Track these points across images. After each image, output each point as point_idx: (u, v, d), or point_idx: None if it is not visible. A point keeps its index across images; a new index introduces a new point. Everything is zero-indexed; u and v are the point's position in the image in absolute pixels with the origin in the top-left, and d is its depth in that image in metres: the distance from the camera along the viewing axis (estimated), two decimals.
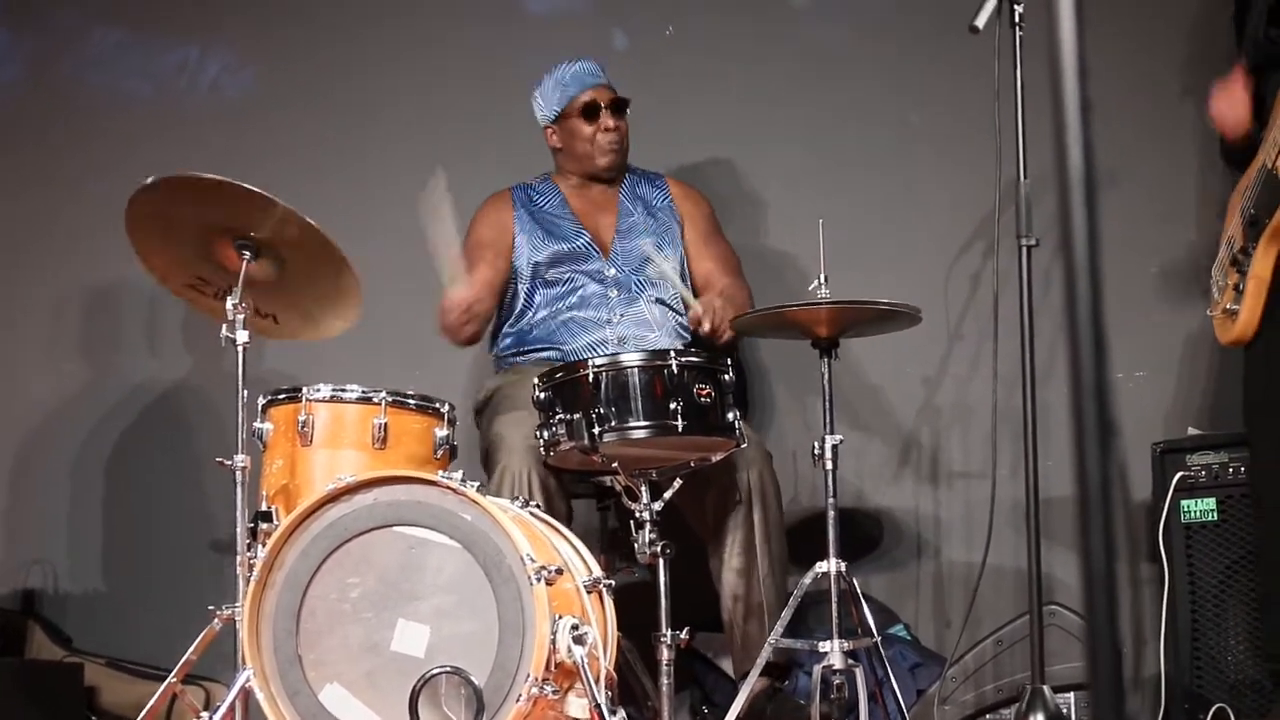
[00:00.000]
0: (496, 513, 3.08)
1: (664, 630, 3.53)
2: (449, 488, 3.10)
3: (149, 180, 3.49)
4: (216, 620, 3.45)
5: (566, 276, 4.20)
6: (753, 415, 4.52)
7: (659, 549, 3.51)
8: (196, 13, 5.13)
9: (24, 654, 4.74)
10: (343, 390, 3.61)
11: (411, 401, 3.64)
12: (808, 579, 3.63)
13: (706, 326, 3.96)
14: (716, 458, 3.60)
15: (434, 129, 4.85)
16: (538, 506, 3.54)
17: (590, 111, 4.24)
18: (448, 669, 3.01)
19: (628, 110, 4.28)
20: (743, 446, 3.58)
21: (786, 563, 3.96)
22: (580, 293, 4.19)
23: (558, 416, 3.52)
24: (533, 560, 3.03)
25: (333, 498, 3.15)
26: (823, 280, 3.64)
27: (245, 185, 3.46)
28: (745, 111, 4.77)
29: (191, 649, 3.49)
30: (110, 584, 4.92)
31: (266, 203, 3.47)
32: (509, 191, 4.36)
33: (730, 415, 3.52)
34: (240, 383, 3.52)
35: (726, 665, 4.16)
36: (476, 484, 3.17)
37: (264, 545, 3.30)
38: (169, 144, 4.96)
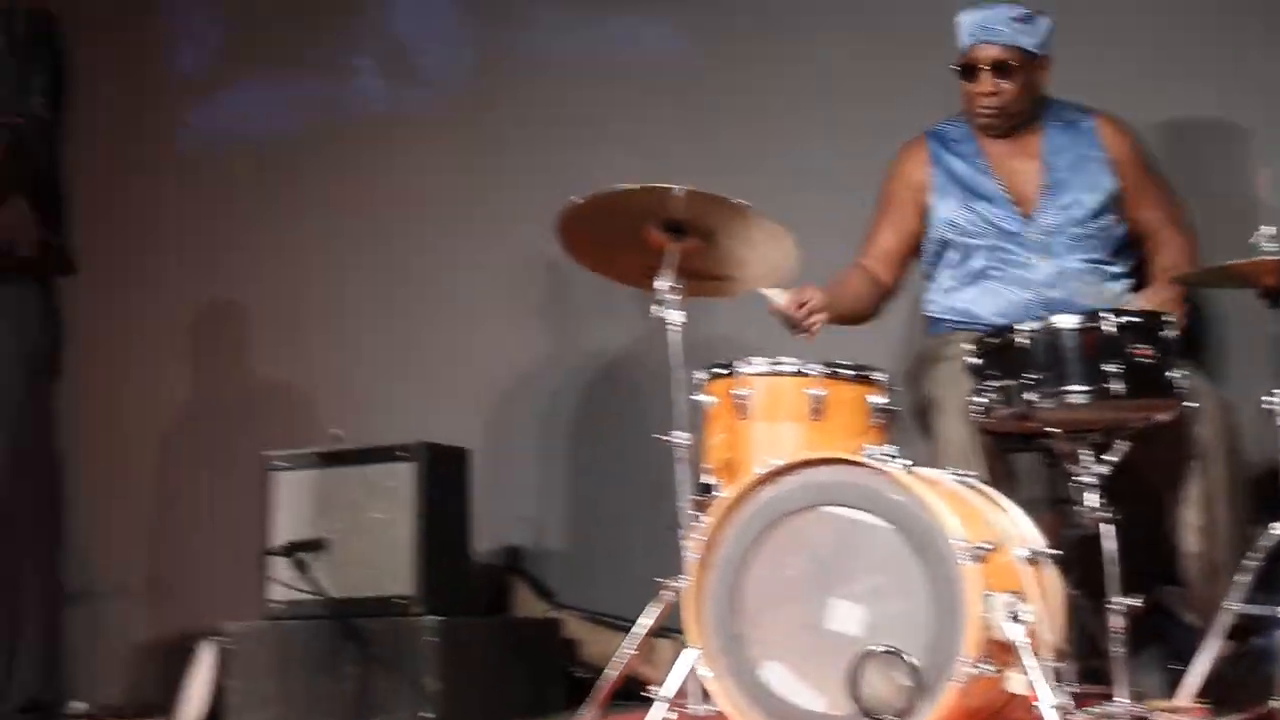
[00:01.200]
0: (924, 493, 3.07)
1: (1114, 597, 3.43)
2: (877, 469, 3.11)
3: (574, 200, 3.65)
4: (668, 593, 3.58)
5: (988, 238, 4.08)
6: (1209, 364, 4.31)
7: (1106, 515, 3.42)
8: None
9: (509, 608, 5.05)
10: (777, 363, 3.66)
11: (846, 371, 3.65)
12: (1267, 539, 3.46)
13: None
14: (1161, 418, 3.46)
15: (863, 70, 4.82)
16: (975, 475, 3.50)
17: (969, 71, 4.05)
18: (885, 648, 3.03)
19: (1028, 64, 4.02)
20: (1192, 404, 3.43)
21: (1247, 520, 3.78)
22: (1001, 254, 4.07)
23: (991, 383, 3.47)
24: (964, 539, 3.01)
25: (763, 480, 3.21)
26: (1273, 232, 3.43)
27: (654, 185, 3.57)
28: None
29: (646, 619, 3.64)
30: (586, 540, 5.15)
31: (666, 191, 3.57)
32: (923, 140, 4.22)
33: (1175, 374, 3.38)
34: (675, 365, 3.62)
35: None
36: (907, 462, 3.17)
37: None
38: (606, 107, 5.19)
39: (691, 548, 3.31)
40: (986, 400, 3.49)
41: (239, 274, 5.77)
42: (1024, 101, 4.07)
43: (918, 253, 4.23)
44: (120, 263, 5.90)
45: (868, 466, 3.13)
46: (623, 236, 3.77)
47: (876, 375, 3.67)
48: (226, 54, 5.95)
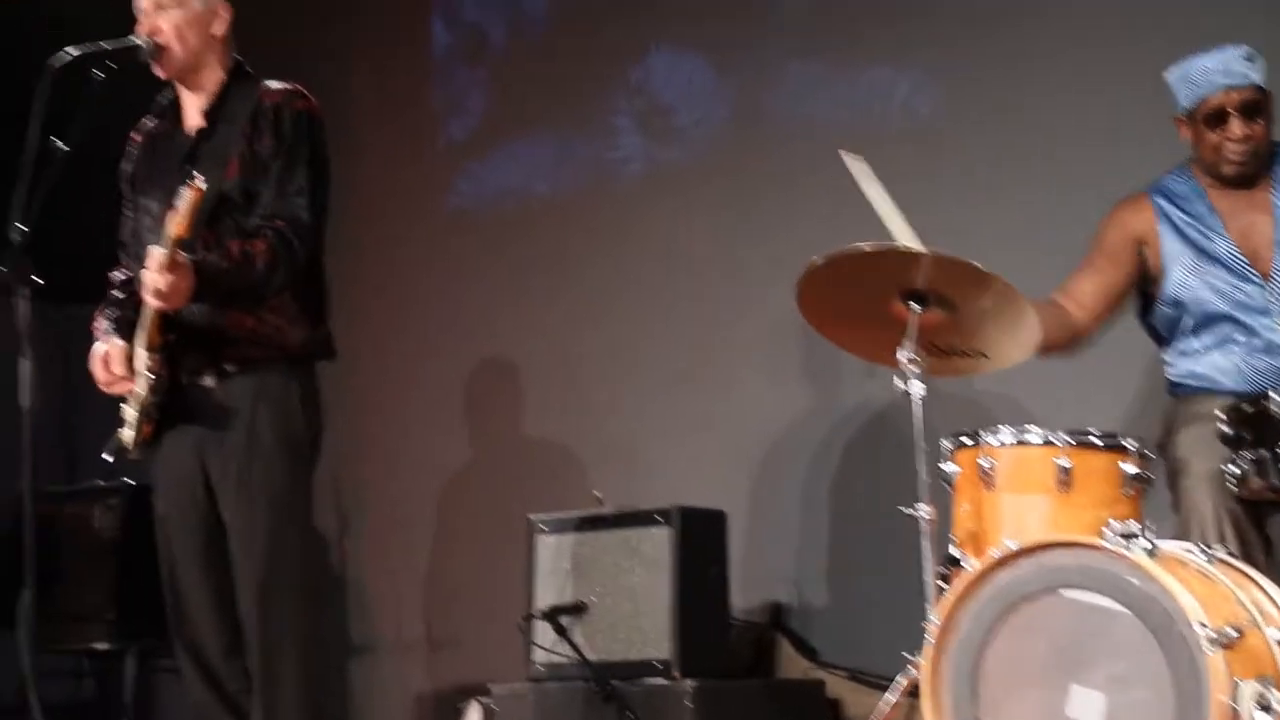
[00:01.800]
0: (1165, 577, 2.99)
1: None
2: (1114, 552, 3.05)
3: (817, 261, 3.65)
4: (912, 669, 3.57)
5: (1225, 304, 3.88)
6: None
7: None
8: (887, 35, 5.23)
9: (773, 665, 5.06)
10: (1023, 432, 3.61)
11: (1094, 440, 3.57)
12: None
13: None
14: None
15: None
16: (1226, 550, 3.39)
17: (1216, 118, 3.86)
18: None
19: (1267, 103, 3.84)
20: None
21: None
22: (1240, 320, 3.86)
23: (1245, 453, 3.37)
24: (1206, 626, 2.92)
25: (1000, 563, 3.18)
26: None
27: (893, 245, 3.55)
28: None
29: (891, 695, 3.63)
30: (848, 597, 5.13)
31: (915, 256, 3.54)
32: (1145, 197, 4.03)
33: None
34: (918, 436, 3.60)
35: None
36: (1149, 542, 3.09)
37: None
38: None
39: (929, 630, 3.29)
40: (1240, 470, 3.39)
41: (507, 335, 5.93)
42: (1269, 143, 3.92)
43: (1115, 306, 4.06)
44: (394, 328, 6.13)
45: (1105, 551, 3.07)
46: (865, 306, 3.75)
47: (1127, 442, 3.57)
48: (492, 119, 6.12)
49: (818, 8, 5.40)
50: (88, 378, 3.87)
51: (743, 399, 5.36)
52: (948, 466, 3.69)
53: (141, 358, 3.74)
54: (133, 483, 5.51)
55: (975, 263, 3.56)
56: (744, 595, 4.98)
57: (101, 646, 5.63)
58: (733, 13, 5.55)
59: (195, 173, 3.65)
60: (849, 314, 3.82)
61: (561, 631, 4.49)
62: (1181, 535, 3.58)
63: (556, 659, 4.52)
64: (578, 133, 5.89)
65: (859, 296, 3.74)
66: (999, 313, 3.69)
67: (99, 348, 3.86)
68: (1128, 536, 3.12)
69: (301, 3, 6.40)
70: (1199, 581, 3.10)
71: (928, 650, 3.24)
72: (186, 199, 3.48)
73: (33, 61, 3.71)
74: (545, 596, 4.64)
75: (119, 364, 3.80)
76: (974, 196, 4.94)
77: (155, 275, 3.53)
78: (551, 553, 4.69)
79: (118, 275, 4.03)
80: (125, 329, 3.86)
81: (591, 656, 4.46)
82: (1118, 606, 3.04)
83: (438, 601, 5.92)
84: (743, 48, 5.52)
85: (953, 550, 3.62)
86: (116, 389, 3.82)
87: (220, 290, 3.67)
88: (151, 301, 3.60)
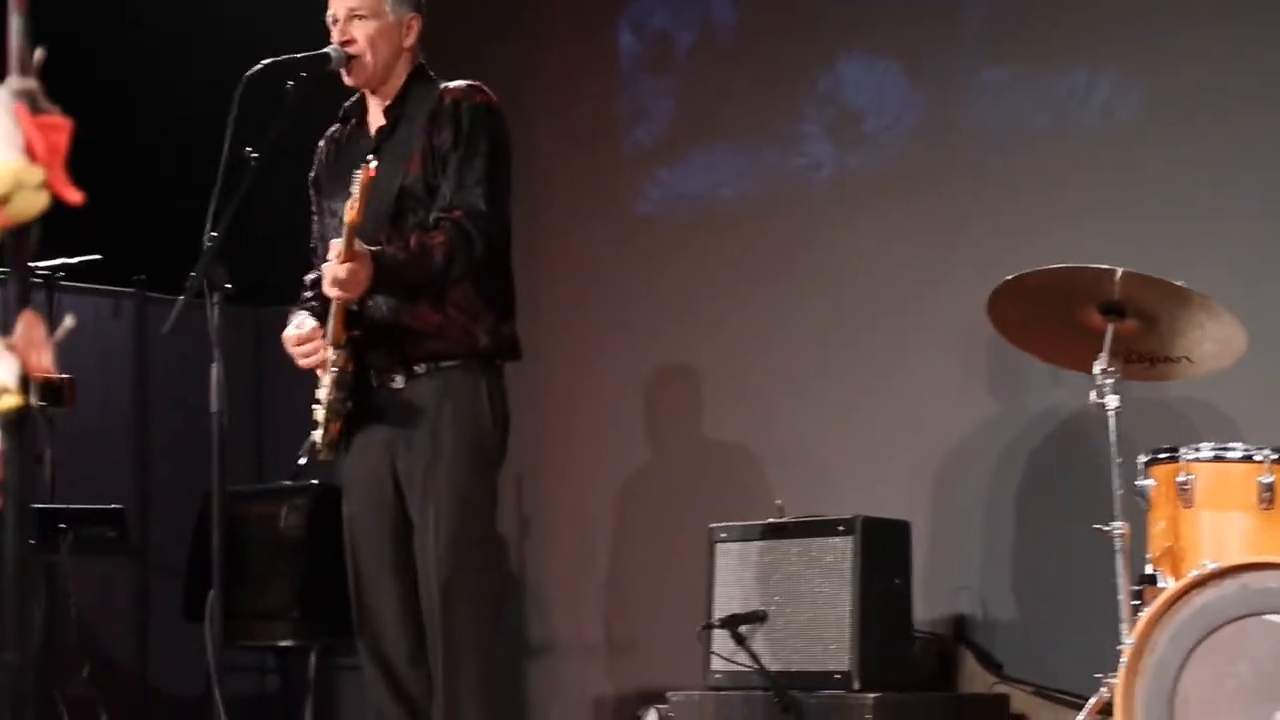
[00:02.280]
0: None
1: None
2: None
3: (1006, 280, 3.59)
4: (1104, 690, 3.46)
5: None
6: None
7: None
8: (1083, 36, 5.10)
9: (956, 679, 4.97)
10: (1224, 449, 3.49)
11: None
12: None
13: None
14: None
15: None
16: None
17: None
18: None
19: None
20: None
21: None
22: None
23: None
24: None
25: (1199, 583, 3.06)
26: None
27: (1088, 266, 3.45)
28: None
29: (1081, 715, 3.52)
30: (1035, 610, 5.01)
31: (1106, 273, 3.44)
32: None
33: None
34: (1113, 450, 3.50)
35: None
36: None
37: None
38: (1059, 172, 5.05)
39: (1122, 651, 3.18)
40: None
41: (690, 340, 5.90)
42: None
43: None
44: (578, 331, 6.14)
45: None
46: (1058, 316, 3.68)
47: None
48: (679, 125, 6.11)
49: (1011, 9, 5.29)
50: (278, 381, 3.93)
51: (927, 407, 5.27)
52: (1143, 482, 3.58)
53: (330, 354, 3.77)
54: (319, 483, 5.59)
55: (1176, 281, 3.47)
56: (927, 607, 4.90)
57: (286, 643, 5.72)
58: (924, 17, 5.46)
59: (370, 157, 3.69)
60: (1040, 323, 3.78)
61: (740, 640, 4.45)
62: None
63: (735, 668, 4.48)
64: (765, 139, 5.84)
65: (1052, 307, 3.70)
66: (1200, 321, 3.60)
67: (291, 327, 3.90)
68: None
69: (487, 12, 6.45)
70: None
71: (1122, 671, 3.13)
72: (359, 182, 3.52)
73: (230, 72, 3.77)
74: (725, 605, 4.61)
75: (312, 336, 3.82)
76: (1176, 201, 4.81)
77: (334, 265, 3.57)
78: (732, 561, 4.66)
79: (309, 277, 4.08)
80: (317, 317, 3.91)
81: (770, 666, 4.42)
82: None
83: (616, 606, 5.91)
84: (935, 52, 5.43)
85: (1148, 569, 3.51)
86: (311, 361, 3.84)
87: (398, 281, 3.70)
88: (331, 291, 3.63)
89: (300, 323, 3.88)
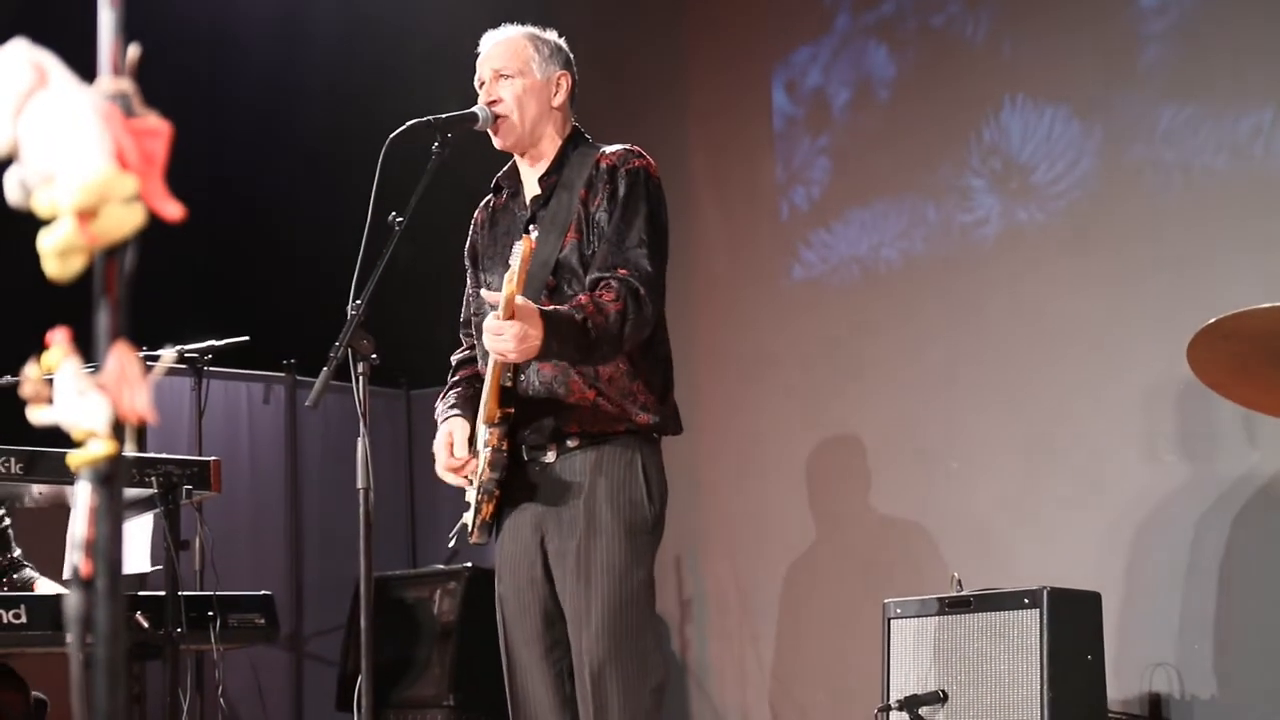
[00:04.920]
0: None
1: None
2: None
3: (1211, 322, 3.32)
4: None
5: None
6: None
7: None
8: (1267, 73, 4.81)
9: None
10: None
11: None
12: None
13: None
14: None
15: None
16: None
17: None
18: None
19: None
20: None
21: None
22: None
23: None
24: None
25: None
26: None
27: None
28: None
29: None
30: (1238, 687, 4.66)
31: None
32: None
33: None
34: None
35: None
36: None
37: None
38: (1241, 214, 4.76)
39: None
40: None
41: (854, 408, 5.66)
42: None
43: None
44: (738, 402, 5.94)
45: None
46: (1267, 362, 3.39)
47: None
48: (835, 186, 5.89)
49: (1189, 47, 5.00)
50: (430, 462, 3.75)
51: (1113, 472, 4.96)
52: None
53: (481, 433, 3.58)
54: (471, 566, 5.44)
55: None
56: (1119, 684, 4.59)
57: None
58: (1094, 58, 5.20)
59: (531, 227, 3.52)
60: (1246, 371, 3.48)
61: None
62: None
63: None
64: (928, 196, 5.61)
65: (1261, 353, 3.39)
66: None
67: (443, 431, 3.72)
68: None
69: (639, 78, 6.31)
70: None
71: None
72: (519, 254, 3.32)
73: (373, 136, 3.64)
74: (902, 685, 4.31)
75: (462, 446, 3.66)
76: None
77: (498, 322, 3.35)
78: (908, 638, 4.37)
79: (457, 355, 3.91)
80: (466, 406, 3.73)
81: None
82: None
83: (785, 690, 5.65)
84: (1106, 94, 5.15)
85: None
86: (457, 477, 3.67)
87: (572, 340, 3.44)
88: (495, 347, 3.41)
89: (450, 434, 3.69)
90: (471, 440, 3.65)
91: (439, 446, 3.69)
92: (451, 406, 3.77)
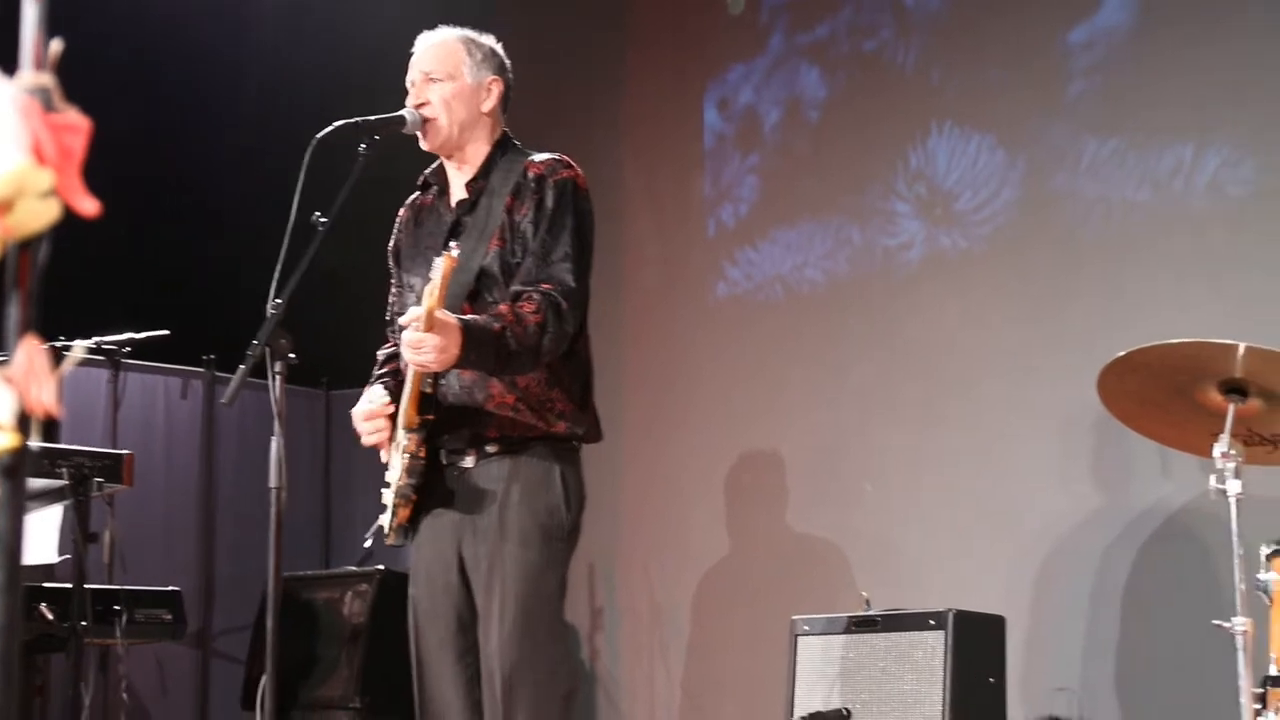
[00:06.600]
0: None
1: None
2: None
3: (1120, 355, 3.37)
4: None
5: None
6: None
7: None
8: (1190, 111, 4.88)
9: None
10: None
11: None
12: None
13: None
14: None
15: None
16: None
17: None
18: None
19: None
20: None
21: None
22: None
23: None
24: None
25: None
26: None
27: (1208, 341, 3.22)
28: None
29: None
30: (1137, 713, 4.72)
31: (1228, 349, 3.20)
32: None
33: None
34: (1234, 539, 3.23)
35: None
36: None
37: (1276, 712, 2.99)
38: (1163, 248, 4.83)
39: None
40: None
41: (773, 426, 5.69)
42: None
43: None
44: (657, 415, 5.95)
45: None
46: (1174, 395, 3.45)
47: None
48: (763, 205, 5.93)
49: (1114, 83, 5.07)
50: (347, 465, 3.74)
51: (1024, 498, 5.02)
52: (1266, 575, 3.32)
53: (400, 438, 3.58)
54: (384, 569, 5.41)
55: None
56: (1023, 708, 4.65)
57: None
58: (1021, 90, 5.26)
59: (452, 244, 3.52)
60: (1154, 403, 3.53)
61: None
62: None
63: None
64: (853, 218, 5.65)
65: (1167, 386, 3.48)
66: None
67: (362, 402, 3.72)
68: None
69: (575, 86, 6.32)
70: None
71: None
72: (440, 269, 3.33)
73: (301, 135, 3.62)
74: (807, 701, 4.35)
75: (383, 411, 3.64)
76: None
77: (417, 335, 3.36)
78: (815, 655, 4.40)
79: (383, 351, 3.90)
80: (391, 388, 3.73)
81: None
82: None
83: (692, 702, 5.67)
84: (1032, 125, 5.22)
85: (1272, 669, 3.23)
86: (376, 439, 3.65)
87: (491, 351, 3.46)
88: (414, 359, 3.42)
89: (372, 397, 3.69)
90: (393, 419, 3.64)
91: (357, 408, 3.68)
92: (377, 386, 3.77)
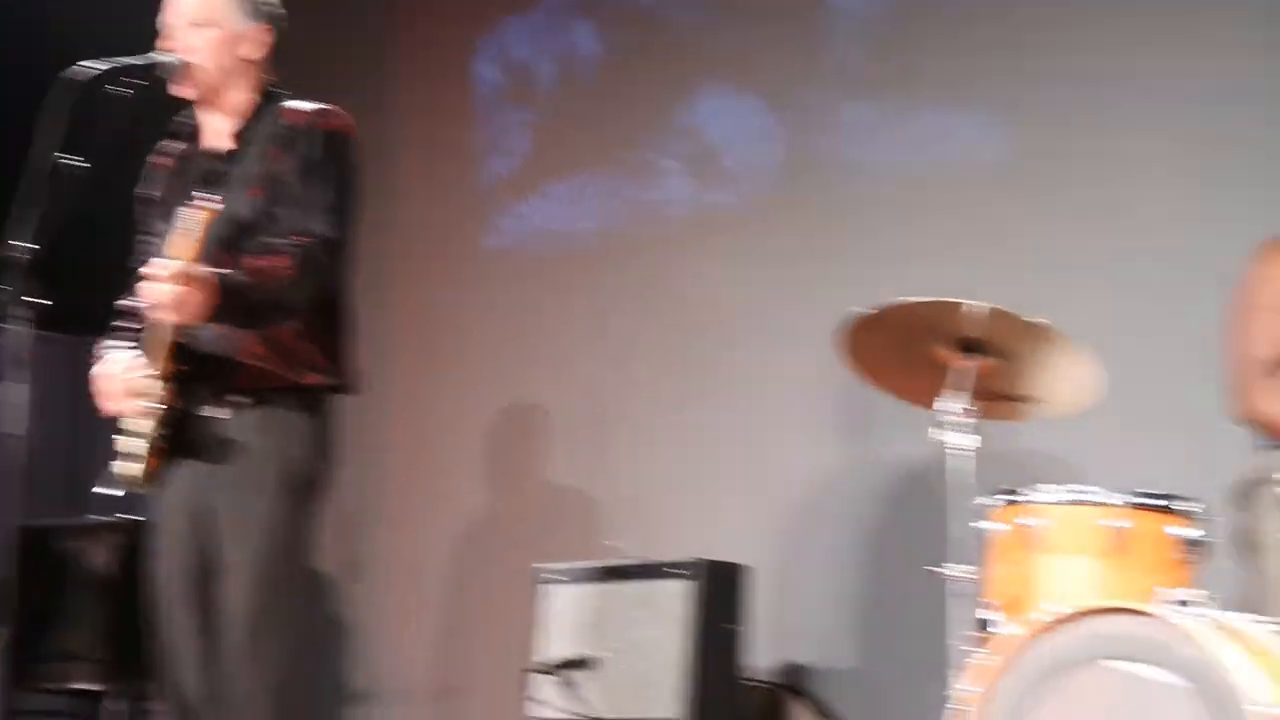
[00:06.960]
0: (1220, 649, 2.69)
1: None
2: (1168, 621, 2.75)
3: (861, 312, 3.52)
4: None
5: None
6: None
7: None
8: (948, 75, 5.00)
9: None
10: (1073, 490, 3.35)
11: (1147, 501, 3.30)
12: None
13: None
14: None
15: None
16: None
17: None
18: None
19: None
20: None
21: None
22: None
23: None
24: (1267, 704, 2.62)
25: (1041, 630, 2.89)
26: None
27: (945, 300, 3.33)
28: None
29: None
30: (875, 660, 4.85)
31: (970, 309, 3.31)
32: None
33: None
34: (949, 488, 3.36)
35: None
36: (1206, 611, 2.81)
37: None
38: (918, 211, 4.93)
39: (964, 700, 3.00)
40: None
41: (537, 378, 5.71)
42: None
43: None
44: (423, 366, 5.94)
45: (1156, 618, 2.77)
46: (913, 352, 3.56)
47: (1187, 505, 3.30)
48: (536, 159, 5.93)
49: (874, 46, 5.18)
50: (94, 411, 3.65)
51: (773, 453, 5.11)
52: (985, 524, 3.44)
53: (151, 387, 3.51)
54: (135, 520, 5.30)
55: (1039, 319, 3.43)
56: (768, 655, 4.73)
57: (89, 687, 5.37)
58: (786, 53, 5.34)
59: (199, 195, 3.47)
60: (894, 359, 3.65)
61: (569, 685, 4.23)
62: (1256, 606, 3.27)
63: (562, 715, 4.26)
64: (623, 174, 5.69)
65: (906, 343, 3.59)
66: (1056, 361, 3.49)
67: (107, 363, 3.64)
68: (1183, 604, 2.84)
69: (345, 40, 6.23)
70: (1262, 656, 2.79)
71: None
72: (196, 220, 3.29)
73: (44, 73, 3.52)
74: (554, 649, 4.38)
75: (124, 378, 3.57)
76: (1038, 243, 4.69)
77: (165, 288, 3.31)
78: (563, 604, 4.45)
79: (127, 303, 3.82)
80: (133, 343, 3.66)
81: (602, 713, 4.21)
82: (1171, 678, 2.74)
83: (444, 651, 5.67)
84: (796, 88, 5.30)
85: (984, 613, 3.36)
86: (124, 409, 3.59)
87: (241, 305, 3.44)
88: (162, 315, 3.37)
89: (119, 359, 3.61)
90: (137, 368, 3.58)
91: (103, 369, 3.62)
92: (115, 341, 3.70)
